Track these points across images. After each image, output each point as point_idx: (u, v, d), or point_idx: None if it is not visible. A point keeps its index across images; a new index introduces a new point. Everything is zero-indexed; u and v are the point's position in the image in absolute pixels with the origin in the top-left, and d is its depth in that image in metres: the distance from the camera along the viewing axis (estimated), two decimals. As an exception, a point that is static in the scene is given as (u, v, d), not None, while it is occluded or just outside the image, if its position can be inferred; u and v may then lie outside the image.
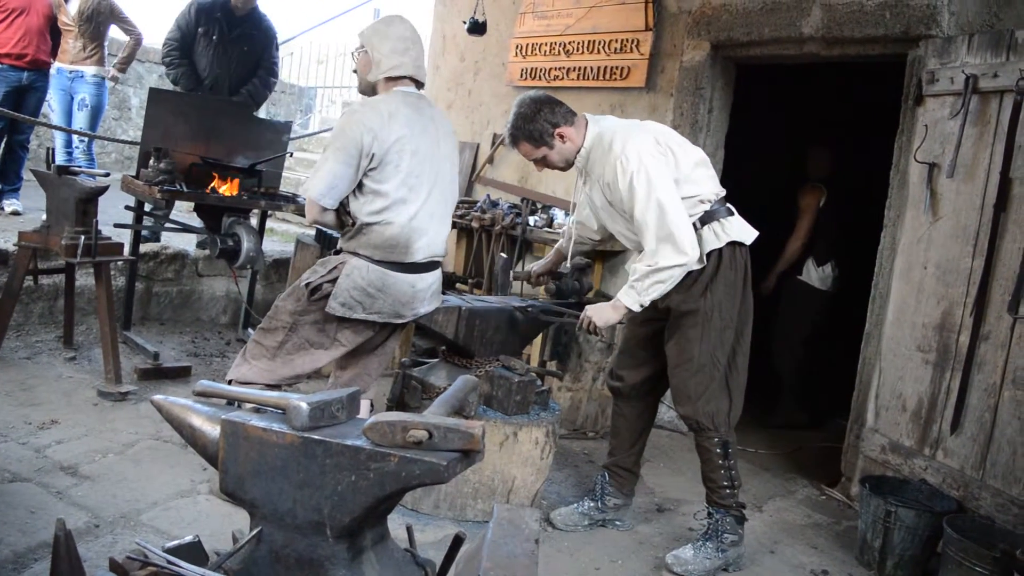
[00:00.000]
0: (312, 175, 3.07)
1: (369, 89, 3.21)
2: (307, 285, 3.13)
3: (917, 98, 3.87)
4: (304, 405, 1.66)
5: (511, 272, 4.08)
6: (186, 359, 4.90)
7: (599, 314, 3.19)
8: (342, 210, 3.16)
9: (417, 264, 3.15)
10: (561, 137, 3.21)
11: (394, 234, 3.07)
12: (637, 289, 3.07)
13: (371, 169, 3.02)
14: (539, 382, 3.57)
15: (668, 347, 3.30)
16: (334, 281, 3.10)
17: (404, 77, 3.18)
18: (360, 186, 3.06)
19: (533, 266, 3.82)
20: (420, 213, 3.11)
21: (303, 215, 5.32)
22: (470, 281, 5.36)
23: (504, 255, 3.69)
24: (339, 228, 3.24)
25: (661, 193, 3.03)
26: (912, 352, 3.82)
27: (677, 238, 3.00)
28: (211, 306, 5.83)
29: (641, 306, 3.10)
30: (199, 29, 5.54)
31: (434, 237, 3.19)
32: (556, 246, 3.76)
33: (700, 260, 3.15)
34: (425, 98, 3.25)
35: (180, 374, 4.64)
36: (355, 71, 3.27)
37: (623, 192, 3.08)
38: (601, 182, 3.19)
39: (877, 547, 3.41)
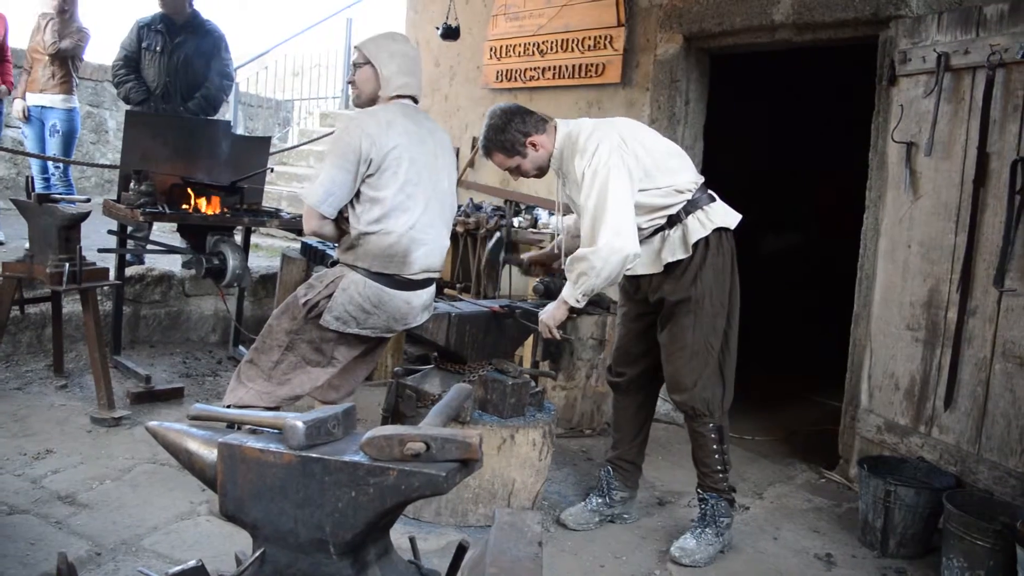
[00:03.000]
0: (310, 183, 3.08)
1: (367, 103, 3.22)
2: (305, 303, 3.12)
3: (891, 78, 3.90)
4: (300, 424, 1.66)
5: (500, 255, 4.10)
6: (178, 380, 4.87)
7: (550, 316, 3.22)
8: (341, 221, 3.16)
9: (414, 281, 3.15)
10: (533, 146, 3.22)
11: (392, 243, 3.06)
12: (568, 281, 3.10)
13: (369, 176, 3.02)
14: (533, 383, 3.58)
15: (662, 336, 3.31)
16: (331, 296, 3.10)
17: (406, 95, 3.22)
18: (358, 195, 3.06)
19: (528, 254, 3.83)
20: (418, 222, 3.10)
21: (287, 229, 5.35)
22: (458, 286, 5.35)
23: (499, 234, 3.76)
24: (338, 240, 3.22)
25: (611, 184, 2.99)
26: (902, 331, 3.84)
27: (604, 229, 2.96)
28: (200, 326, 5.81)
29: (577, 301, 3.10)
30: (142, 44, 5.59)
31: (432, 248, 3.18)
32: (554, 242, 3.75)
33: (686, 250, 3.16)
34: (422, 112, 3.28)
35: (173, 396, 4.61)
36: (351, 82, 3.26)
37: (579, 179, 3.07)
38: (571, 179, 3.18)
39: (879, 527, 3.43)
